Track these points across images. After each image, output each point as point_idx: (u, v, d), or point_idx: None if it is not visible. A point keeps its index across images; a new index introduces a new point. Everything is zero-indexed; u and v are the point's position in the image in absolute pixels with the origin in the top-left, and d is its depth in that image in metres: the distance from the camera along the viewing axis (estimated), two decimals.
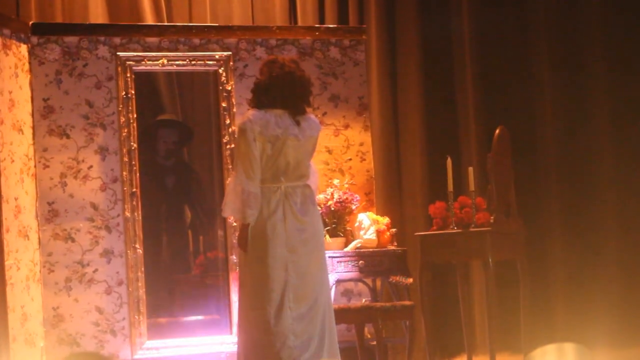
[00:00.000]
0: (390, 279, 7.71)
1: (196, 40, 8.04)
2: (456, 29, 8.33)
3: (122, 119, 7.82)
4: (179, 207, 8.24)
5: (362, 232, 7.82)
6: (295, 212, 6.15)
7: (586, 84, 8.16)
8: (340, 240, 7.80)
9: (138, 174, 7.83)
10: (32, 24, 7.76)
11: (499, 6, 8.28)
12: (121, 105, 7.83)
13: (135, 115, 7.85)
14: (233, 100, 8.00)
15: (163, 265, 8.09)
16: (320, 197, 7.83)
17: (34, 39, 7.72)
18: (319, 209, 7.73)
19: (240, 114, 7.84)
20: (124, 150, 7.81)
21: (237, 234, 6.35)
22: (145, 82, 8.04)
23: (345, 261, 7.64)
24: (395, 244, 7.89)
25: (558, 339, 6.85)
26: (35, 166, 7.66)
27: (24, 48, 7.65)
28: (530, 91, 8.25)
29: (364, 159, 8.31)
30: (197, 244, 8.21)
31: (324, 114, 8.23)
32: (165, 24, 8.15)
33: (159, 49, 7.97)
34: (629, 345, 7.63)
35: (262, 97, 6.18)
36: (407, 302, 7.25)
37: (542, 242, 8.02)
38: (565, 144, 8.15)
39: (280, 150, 6.12)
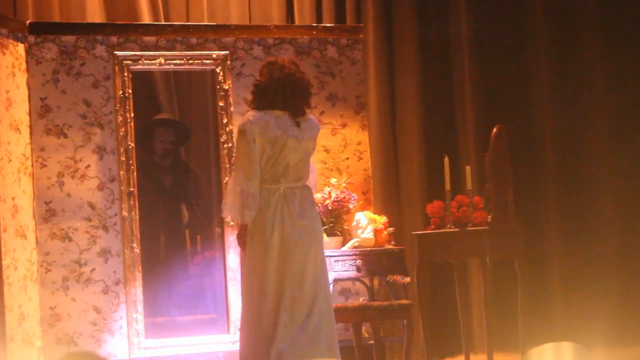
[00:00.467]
0: (388, 278, 7.71)
1: (193, 40, 8.04)
2: (454, 28, 8.33)
3: (120, 118, 7.82)
4: (177, 207, 8.24)
5: (359, 231, 7.82)
6: (294, 213, 6.17)
7: (584, 85, 8.16)
8: (337, 239, 7.80)
9: (135, 173, 7.83)
10: (30, 23, 7.75)
11: (497, 5, 8.28)
12: (118, 105, 7.83)
13: (132, 115, 7.84)
14: (230, 99, 8.00)
15: (160, 264, 8.09)
16: (317, 196, 7.83)
17: (31, 38, 7.71)
18: (317, 207, 7.75)
19: (238, 113, 7.85)
20: (122, 150, 7.80)
21: (235, 234, 6.36)
22: (143, 82, 8.03)
23: (342, 260, 7.64)
24: (393, 243, 7.89)
25: (556, 338, 6.85)
26: (32, 165, 7.66)
27: (21, 47, 7.64)
28: (528, 90, 8.25)
29: (362, 158, 8.31)
30: (194, 243, 8.20)
31: (322, 113, 8.23)
32: (163, 23, 8.14)
33: (156, 48, 7.97)
34: (627, 344, 7.63)
35: (262, 99, 6.21)
36: (404, 301, 7.25)
37: (539, 241, 8.02)
38: (563, 143, 8.15)
39: (280, 152, 6.15)
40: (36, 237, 7.62)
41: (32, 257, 7.58)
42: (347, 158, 8.29)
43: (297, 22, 8.45)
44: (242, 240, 6.21)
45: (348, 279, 7.85)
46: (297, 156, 6.20)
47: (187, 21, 8.25)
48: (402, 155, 8.33)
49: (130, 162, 7.81)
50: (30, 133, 7.68)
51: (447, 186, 7.05)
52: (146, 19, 8.13)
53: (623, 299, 7.88)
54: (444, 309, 7.81)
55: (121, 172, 7.80)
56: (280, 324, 6.07)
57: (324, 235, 7.71)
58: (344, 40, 8.34)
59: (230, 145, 7.87)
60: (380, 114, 8.33)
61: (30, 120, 7.69)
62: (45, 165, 7.70)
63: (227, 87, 7.99)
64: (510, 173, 7.25)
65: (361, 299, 7.87)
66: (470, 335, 7.67)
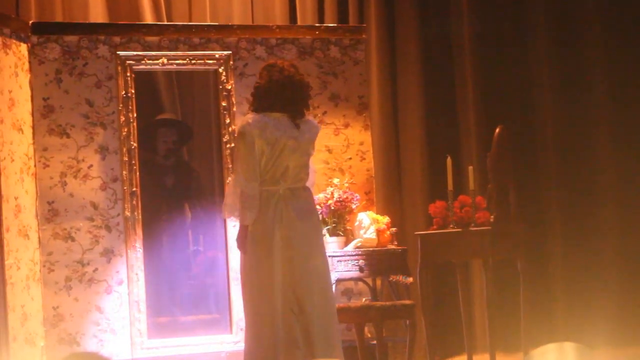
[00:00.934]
0: (391, 278, 7.71)
1: (196, 40, 8.04)
2: (456, 28, 8.33)
3: (122, 118, 7.82)
4: (179, 206, 8.24)
5: (362, 232, 7.82)
6: (294, 214, 6.20)
7: (586, 85, 8.16)
8: (340, 239, 7.80)
9: (138, 173, 7.83)
10: (32, 23, 7.76)
11: (499, 6, 8.29)
12: (121, 105, 7.83)
13: (135, 115, 7.85)
14: (233, 99, 8.00)
15: (163, 264, 8.09)
16: (320, 196, 7.84)
17: (34, 38, 7.71)
18: (319, 208, 7.75)
19: (240, 113, 7.85)
20: (124, 150, 7.81)
21: (236, 235, 6.38)
22: (145, 82, 8.03)
23: (345, 260, 7.64)
24: (396, 243, 7.89)
25: (558, 338, 6.85)
26: (35, 165, 7.66)
27: (23, 47, 7.65)
28: (530, 90, 8.25)
29: (364, 158, 8.30)
30: (197, 243, 8.21)
31: (324, 113, 8.23)
32: (165, 23, 8.15)
33: (158, 48, 7.97)
34: (629, 344, 7.63)
35: (262, 101, 6.26)
36: (407, 302, 7.25)
37: (542, 241, 8.02)
38: (565, 144, 8.15)
39: (280, 154, 6.19)
40: (39, 237, 7.62)
41: (35, 257, 7.58)
42: (350, 158, 8.29)
43: (299, 22, 8.46)
44: (242, 242, 6.24)
45: (351, 279, 7.85)
46: (297, 158, 6.23)
47: (190, 21, 8.25)
48: (405, 155, 8.33)
49: (133, 162, 7.81)
50: (33, 133, 7.68)
51: (450, 186, 7.05)
52: (149, 19, 8.13)
53: (625, 299, 7.89)
54: (446, 309, 7.82)
55: (124, 172, 7.80)
56: (283, 326, 6.08)
57: (327, 235, 7.73)
58: (346, 41, 8.33)
59: (232, 145, 7.87)
60: (382, 114, 8.33)
61: (33, 120, 7.69)
62: (47, 165, 7.70)
63: (229, 87, 7.99)
64: (512, 173, 7.25)
65: (364, 299, 7.86)
66: (472, 336, 7.68)
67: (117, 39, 7.88)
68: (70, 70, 7.79)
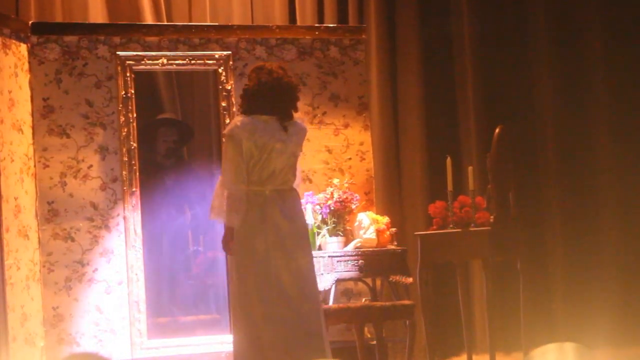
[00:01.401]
0: (390, 279, 7.71)
1: (196, 40, 8.04)
2: (456, 28, 8.33)
3: (122, 119, 7.82)
4: (179, 207, 8.24)
5: (361, 232, 7.82)
6: (280, 216, 6.27)
7: (587, 84, 8.16)
8: (340, 239, 7.80)
9: (138, 173, 7.83)
10: (32, 23, 7.75)
11: (499, 6, 8.29)
12: (121, 105, 7.83)
13: (135, 115, 7.85)
14: (233, 99, 8.00)
15: (163, 264, 8.09)
16: (320, 196, 7.85)
17: (34, 39, 7.71)
18: (319, 208, 7.76)
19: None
20: (124, 150, 7.80)
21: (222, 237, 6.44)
22: (145, 82, 8.04)
23: (345, 261, 7.64)
24: (395, 243, 7.88)
25: (558, 338, 6.85)
26: (35, 166, 7.66)
27: (23, 47, 7.64)
28: (531, 91, 8.25)
29: (364, 159, 8.30)
30: (197, 243, 8.21)
31: (324, 113, 8.23)
32: (165, 23, 8.14)
33: (158, 49, 7.97)
34: (629, 344, 7.63)
35: (251, 103, 6.33)
36: (407, 302, 7.25)
37: (542, 241, 8.02)
38: (565, 143, 8.15)
39: (268, 156, 6.25)
40: (39, 237, 7.62)
41: (35, 257, 7.58)
42: (350, 158, 8.29)
43: (298, 23, 8.46)
44: (227, 244, 6.30)
45: (350, 279, 7.85)
46: (284, 160, 6.30)
47: (190, 21, 8.25)
48: (405, 155, 8.33)
49: (133, 162, 7.81)
50: (33, 133, 7.68)
51: (450, 186, 7.05)
52: (149, 19, 8.13)
53: (625, 299, 7.89)
54: (446, 309, 7.82)
55: (123, 172, 7.80)
56: (271, 327, 6.13)
57: (327, 236, 7.73)
58: (346, 41, 8.33)
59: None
60: (382, 115, 8.33)
61: (33, 121, 7.69)
62: (47, 166, 7.70)
63: (229, 88, 7.99)
64: (512, 174, 7.25)
65: (363, 300, 7.86)
66: (472, 336, 7.68)
67: (116, 39, 7.88)
68: (70, 70, 7.79)
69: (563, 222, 8.08)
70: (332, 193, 7.87)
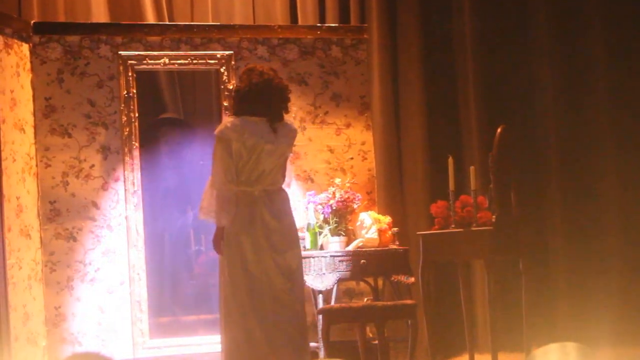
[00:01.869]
0: (392, 278, 7.71)
1: (198, 40, 8.04)
2: (458, 28, 8.32)
3: (124, 118, 7.83)
4: (181, 206, 8.24)
5: (363, 231, 7.82)
6: (269, 216, 6.34)
7: (588, 83, 8.15)
8: (342, 239, 7.80)
9: (140, 173, 7.84)
10: (34, 23, 7.76)
11: (501, 5, 8.28)
12: (123, 105, 7.84)
13: (137, 114, 7.85)
14: None
15: (165, 264, 8.10)
16: (321, 195, 7.85)
17: (36, 38, 7.72)
18: (320, 208, 7.76)
19: None
20: (126, 149, 7.81)
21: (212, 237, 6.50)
22: (147, 81, 8.04)
23: (347, 260, 7.64)
24: (397, 243, 7.89)
25: (560, 338, 6.84)
26: (37, 165, 7.67)
27: (25, 47, 7.65)
28: (532, 90, 8.24)
29: (366, 158, 8.31)
30: (198, 243, 8.21)
31: (326, 113, 8.23)
32: (167, 23, 8.15)
33: (160, 48, 7.97)
34: (631, 344, 7.62)
35: (242, 105, 6.41)
36: (409, 301, 7.25)
37: (543, 240, 8.01)
38: (567, 143, 8.14)
39: (257, 157, 6.34)
40: (41, 237, 7.63)
41: (37, 256, 7.58)
42: (352, 158, 8.29)
43: (300, 22, 8.46)
44: (217, 243, 6.39)
45: (352, 279, 7.85)
46: (273, 161, 6.37)
47: (192, 21, 8.26)
48: (406, 155, 8.33)
49: (135, 161, 7.82)
50: (35, 133, 7.69)
51: (451, 186, 7.05)
52: (150, 19, 8.13)
53: (627, 299, 7.87)
54: (448, 309, 7.81)
55: (125, 172, 7.81)
56: (258, 326, 6.20)
57: (328, 235, 7.73)
58: (348, 40, 8.34)
59: None
60: (384, 114, 8.32)
61: (35, 120, 7.69)
62: (49, 165, 7.71)
63: (231, 87, 7.99)
64: (514, 173, 7.24)
65: (365, 299, 7.86)
66: (474, 335, 7.67)
67: (118, 39, 7.89)
68: (72, 70, 7.79)
69: (565, 221, 8.07)
70: (334, 193, 7.88)
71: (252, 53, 8.12)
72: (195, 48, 8.03)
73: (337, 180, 8.03)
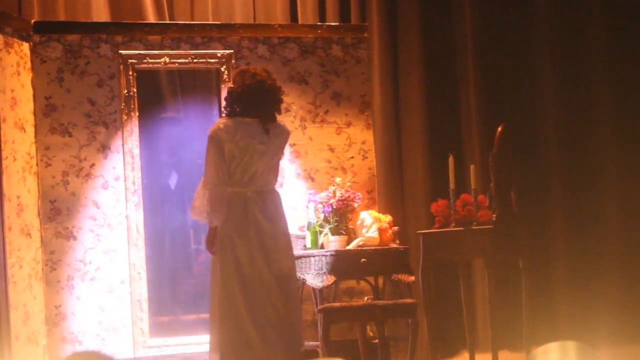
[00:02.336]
0: (393, 277, 7.71)
1: (198, 39, 8.04)
2: (458, 27, 8.32)
3: (124, 117, 7.83)
4: (181, 205, 8.24)
5: (364, 230, 7.82)
6: (261, 216, 6.37)
7: (589, 83, 8.15)
8: (342, 238, 7.80)
9: (140, 172, 7.84)
10: (34, 22, 7.76)
11: (502, 5, 8.27)
12: (123, 104, 7.84)
13: (137, 114, 7.85)
14: None
15: (165, 263, 8.09)
16: (322, 194, 7.85)
17: (36, 37, 7.72)
18: (321, 207, 7.75)
19: None
20: (126, 149, 7.81)
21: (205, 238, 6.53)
22: (148, 80, 8.04)
23: (347, 259, 7.63)
24: (398, 242, 7.89)
25: (560, 337, 6.84)
26: (37, 164, 7.67)
27: (25, 46, 7.65)
28: (533, 89, 8.24)
29: (366, 157, 8.31)
30: (198, 242, 8.21)
31: (326, 112, 8.23)
32: (167, 22, 8.15)
33: (161, 47, 7.97)
34: (632, 342, 7.62)
35: (235, 106, 6.46)
36: (409, 300, 7.25)
37: (544, 239, 8.01)
38: (568, 142, 8.14)
39: (249, 158, 6.37)
40: (41, 236, 7.63)
41: (37, 256, 7.58)
42: (352, 157, 8.29)
43: (300, 21, 8.45)
44: (210, 244, 6.43)
45: (352, 278, 7.85)
46: (265, 162, 6.41)
47: (192, 20, 8.26)
48: (407, 154, 8.32)
49: (135, 161, 7.82)
50: (35, 132, 7.69)
51: (452, 185, 7.04)
52: (151, 18, 8.13)
53: (627, 297, 7.87)
54: (448, 307, 7.80)
55: (126, 171, 7.81)
56: (250, 326, 6.24)
57: (329, 234, 7.72)
58: (348, 39, 8.34)
59: None
60: (384, 113, 8.32)
61: (35, 119, 7.69)
62: (50, 164, 7.71)
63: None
64: (514, 172, 7.24)
65: (366, 298, 7.86)
66: (474, 334, 7.67)
67: (119, 38, 7.89)
68: (72, 69, 7.79)
69: (565, 220, 8.07)
70: (334, 192, 7.87)
71: (253, 52, 8.12)
72: (196, 47, 8.03)
73: (338, 179, 8.03)
